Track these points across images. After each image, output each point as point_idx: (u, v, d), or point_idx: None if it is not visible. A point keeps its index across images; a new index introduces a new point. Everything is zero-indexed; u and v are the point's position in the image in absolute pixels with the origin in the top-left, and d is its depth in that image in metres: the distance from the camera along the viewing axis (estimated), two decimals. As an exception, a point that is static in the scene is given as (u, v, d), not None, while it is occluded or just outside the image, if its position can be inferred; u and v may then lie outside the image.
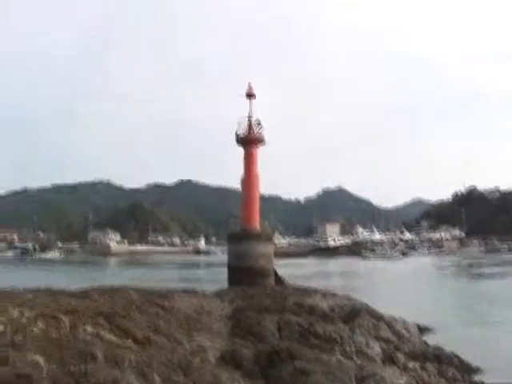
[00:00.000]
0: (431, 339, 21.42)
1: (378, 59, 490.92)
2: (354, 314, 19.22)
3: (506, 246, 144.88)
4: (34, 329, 10.30)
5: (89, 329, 11.14)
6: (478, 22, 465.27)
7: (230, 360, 11.81)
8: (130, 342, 10.94)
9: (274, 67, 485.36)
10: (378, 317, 19.51)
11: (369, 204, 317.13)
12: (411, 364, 15.92)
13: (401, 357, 16.13)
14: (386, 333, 18.28)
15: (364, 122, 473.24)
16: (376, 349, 16.10)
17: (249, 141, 35.17)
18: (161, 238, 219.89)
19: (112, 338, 11.03)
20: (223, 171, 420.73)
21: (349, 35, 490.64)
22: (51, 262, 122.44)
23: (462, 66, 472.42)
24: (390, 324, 19.33)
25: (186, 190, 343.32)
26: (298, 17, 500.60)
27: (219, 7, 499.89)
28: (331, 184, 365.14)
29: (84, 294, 17.97)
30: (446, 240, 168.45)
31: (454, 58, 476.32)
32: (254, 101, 36.41)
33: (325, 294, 23.23)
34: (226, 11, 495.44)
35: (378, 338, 17.37)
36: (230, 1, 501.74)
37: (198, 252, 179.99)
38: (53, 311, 12.87)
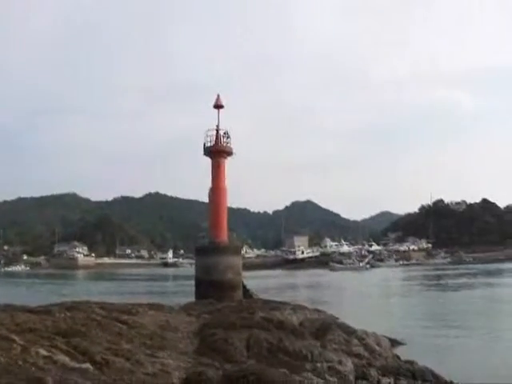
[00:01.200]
0: (403, 353, 20.92)
1: (351, 85, 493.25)
2: (324, 328, 18.65)
3: (471, 257, 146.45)
4: (-19, 352, 9.49)
5: (41, 351, 10.34)
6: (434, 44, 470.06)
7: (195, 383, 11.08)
8: (86, 365, 10.17)
9: (248, 87, 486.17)
10: (349, 331, 18.95)
11: (337, 216, 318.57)
12: (384, 380, 15.37)
13: (374, 373, 15.57)
14: (357, 348, 17.72)
15: (336, 143, 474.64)
16: (349, 365, 15.50)
17: (216, 152, 34.75)
18: (128, 251, 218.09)
19: (67, 360, 10.23)
20: (192, 183, 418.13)
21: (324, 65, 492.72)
22: (16, 275, 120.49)
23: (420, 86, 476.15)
24: (361, 339, 18.75)
25: (154, 202, 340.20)
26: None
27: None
28: (300, 197, 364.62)
29: (44, 311, 17.20)
30: (413, 251, 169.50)
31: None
32: (222, 112, 36.06)
33: (294, 308, 22.69)
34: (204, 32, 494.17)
35: (350, 354, 16.79)
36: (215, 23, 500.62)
37: (165, 265, 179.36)
38: (7, 331, 12.07)
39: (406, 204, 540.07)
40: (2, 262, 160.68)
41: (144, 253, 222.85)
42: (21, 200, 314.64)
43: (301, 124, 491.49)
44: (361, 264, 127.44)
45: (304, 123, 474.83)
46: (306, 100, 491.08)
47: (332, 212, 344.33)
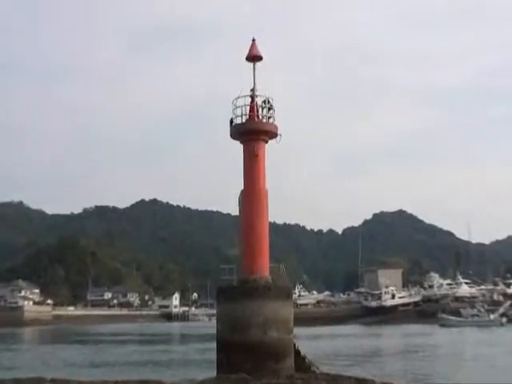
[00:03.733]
0: None
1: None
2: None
3: None
4: None
5: None
6: None
7: None
8: None
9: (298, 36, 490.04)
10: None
11: (449, 236, 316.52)
12: None
13: None
14: None
15: (437, 110, 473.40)
16: None
17: (250, 132, 34.44)
18: (108, 295, 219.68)
19: None
20: (211, 187, 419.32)
21: None
22: None
23: None
24: None
25: (150, 215, 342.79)
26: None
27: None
28: (387, 206, 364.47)
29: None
30: None
31: None
32: (259, 67, 35.72)
33: (380, 389, 22.73)
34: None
35: None
36: None
37: (168, 317, 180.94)
38: None
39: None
40: None
41: (133, 298, 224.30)
42: None
43: (375, 84, 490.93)
44: (492, 316, 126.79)
45: (380, 82, 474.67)
46: (378, 42, 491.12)
47: (440, 229, 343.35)
